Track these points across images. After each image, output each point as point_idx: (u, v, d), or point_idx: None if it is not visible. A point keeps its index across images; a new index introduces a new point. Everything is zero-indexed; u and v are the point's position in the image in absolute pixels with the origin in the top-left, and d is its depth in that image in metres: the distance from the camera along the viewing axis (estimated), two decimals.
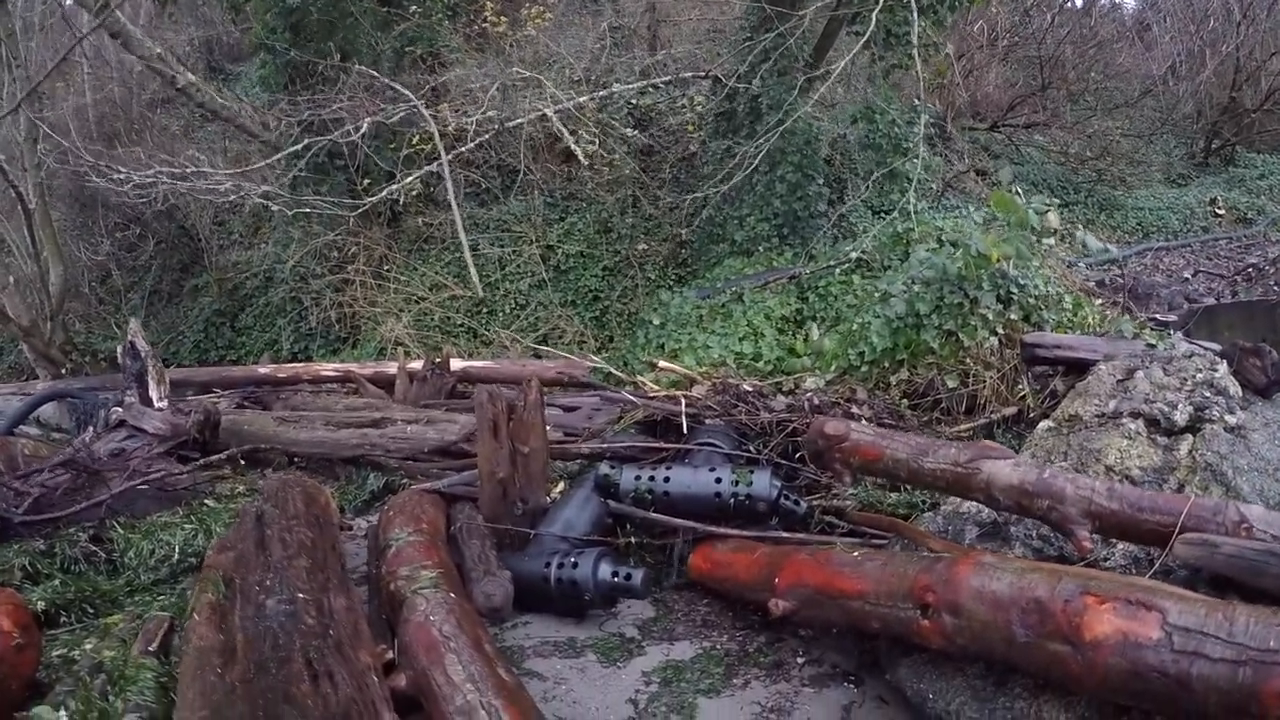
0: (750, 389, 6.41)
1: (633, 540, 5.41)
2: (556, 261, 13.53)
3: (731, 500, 5.13)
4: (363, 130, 11.71)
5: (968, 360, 6.81)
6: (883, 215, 12.41)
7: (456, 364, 9.81)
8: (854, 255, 9.70)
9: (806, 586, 4.12)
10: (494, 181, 14.78)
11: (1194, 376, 5.91)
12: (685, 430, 5.84)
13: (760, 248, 11.49)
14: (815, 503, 5.58)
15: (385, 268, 14.09)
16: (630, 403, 6.36)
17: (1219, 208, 18.13)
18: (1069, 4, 20.19)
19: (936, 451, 4.44)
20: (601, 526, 5.41)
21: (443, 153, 10.82)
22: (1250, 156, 20.64)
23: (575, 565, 4.76)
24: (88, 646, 3.67)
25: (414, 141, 12.65)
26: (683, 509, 5.26)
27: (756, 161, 9.46)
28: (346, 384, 10.60)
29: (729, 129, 12.50)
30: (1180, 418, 5.50)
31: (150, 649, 3.47)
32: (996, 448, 4.44)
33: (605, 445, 5.95)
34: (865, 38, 8.46)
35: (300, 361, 13.27)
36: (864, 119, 11.38)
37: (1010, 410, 6.58)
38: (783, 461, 5.84)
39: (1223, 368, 5.99)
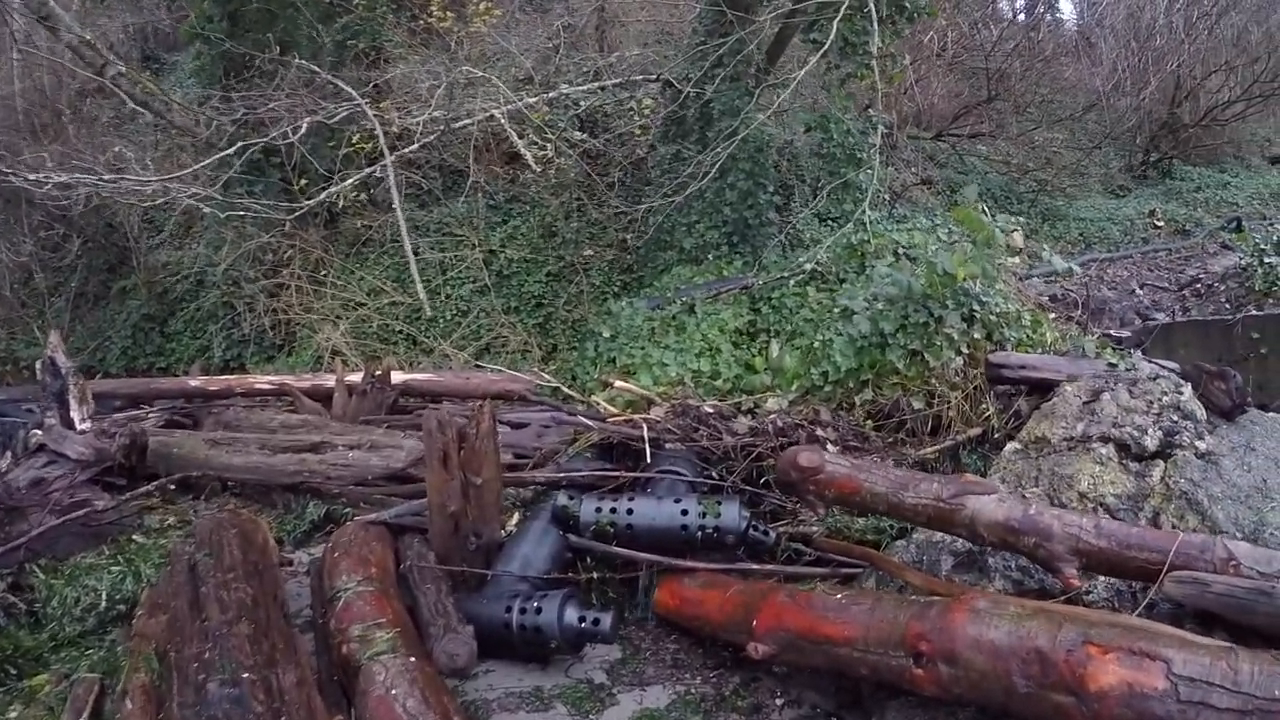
0: (711, 410, 6.22)
1: (594, 576, 5.16)
2: (499, 266, 13.17)
3: (699, 533, 4.93)
4: (302, 131, 11.23)
5: (933, 380, 6.69)
6: (832, 223, 12.32)
7: (397, 376, 9.42)
8: (808, 267, 9.56)
9: (788, 631, 3.92)
10: (435, 182, 14.38)
11: (1160, 399, 5.87)
12: (648, 458, 5.61)
13: (709, 256, 11.29)
14: (781, 529, 5.40)
15: (322, 272, 13.60)
16: (586, 426, 6.11)
17: (1158, 219, 18.46)
18: (1017, 19, 20.43)
19: (918, 486, 4.28)
20: (561, 562, 5.17)
21: (386, 153, 10.41)
22: (1186, 170, 21.08)
23: (539, 610, 4.50)
24: (13, 715, 3.31)
25: (354, 140, 12.20)
26: (646, 542, 5.05)
27: (712, 170, 9.26)
28: (281, 397, 10.14)
29: (679, 134, 12.30)
30: (1150, 443, 5.45)
31: None
32: (979, 482, 4.30)
33: (561, 474, 5.69)
34: (825, 47, 8.30)
35: (233, 370, 12.73)
36: (819, 128, 11.27)
37: (975, 431, 6.48)
38: (747, 488, 5.65)
39: (1188, 390, 5.96)
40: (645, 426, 5.74)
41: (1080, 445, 5.70)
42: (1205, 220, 18.63)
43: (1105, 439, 5.65)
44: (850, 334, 6.90)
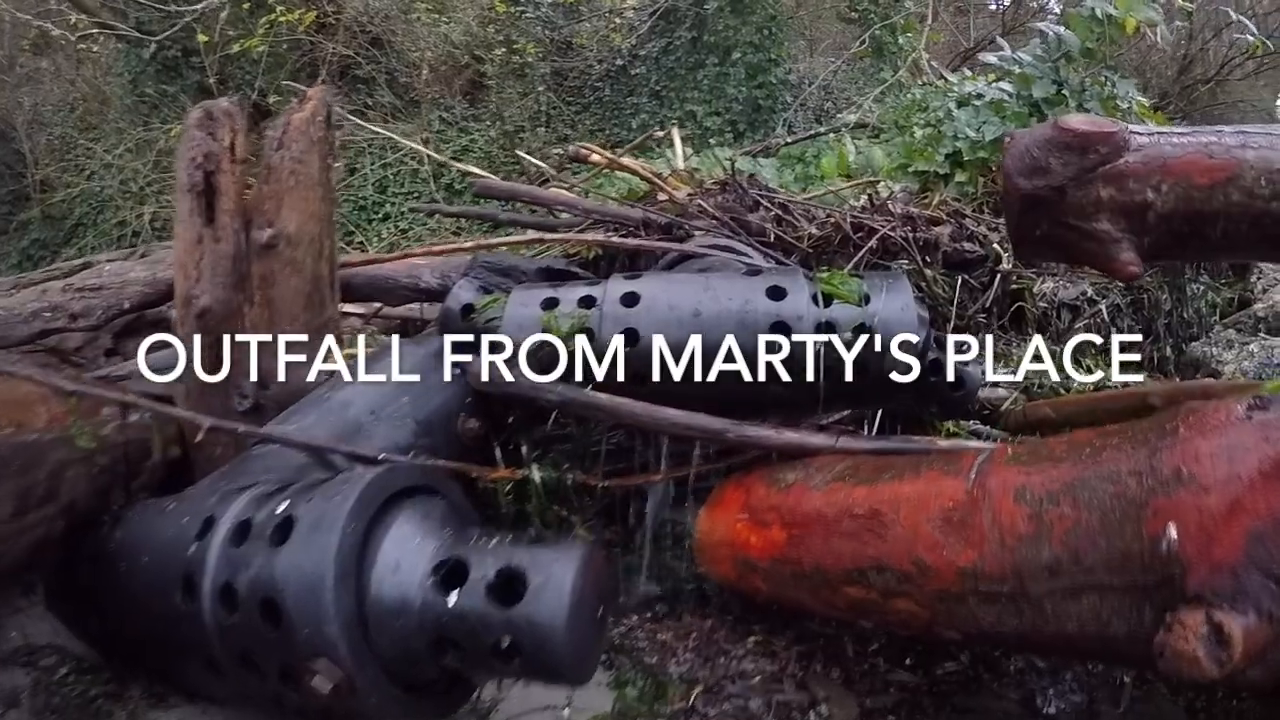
0: (774, 190, 2.98)
1: (535, 473, 1.82)
2: (450, 180, 9.98)
3: (818, 346, 1.63)
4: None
5: None
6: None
7: None
8: (851, 119, 6.48)
9: None
10: (384, 98, 11.28)
11: None
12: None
13: (711, 142, 8.17)
14: None
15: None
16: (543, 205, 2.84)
17: None
18: None
19: None
20: (446, 433, 1.86)
21: None
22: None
23: (282, 532, 1.16)
24: None
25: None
26: (679, 382, 1.75)
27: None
28: None
29: (668, 27, 9.21)
30: None
31: None
32: None
33: (506, 258, 2.39)
34: None
35: None
36: None
37: None
38: None
39: None
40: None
41: None
42: None
43: None
44: (977, 106, 3.75)
